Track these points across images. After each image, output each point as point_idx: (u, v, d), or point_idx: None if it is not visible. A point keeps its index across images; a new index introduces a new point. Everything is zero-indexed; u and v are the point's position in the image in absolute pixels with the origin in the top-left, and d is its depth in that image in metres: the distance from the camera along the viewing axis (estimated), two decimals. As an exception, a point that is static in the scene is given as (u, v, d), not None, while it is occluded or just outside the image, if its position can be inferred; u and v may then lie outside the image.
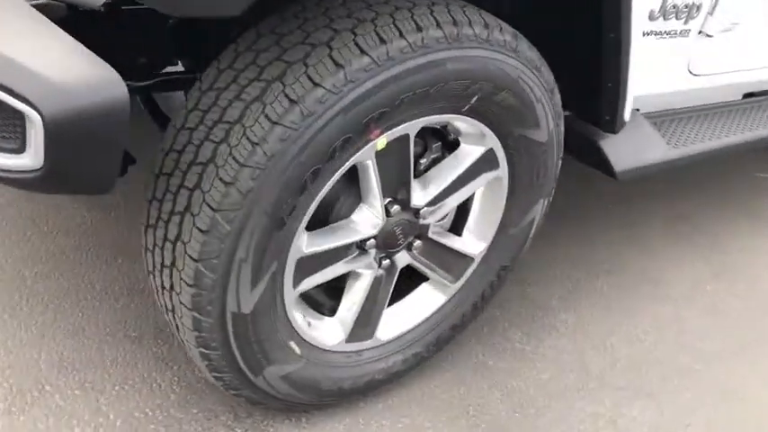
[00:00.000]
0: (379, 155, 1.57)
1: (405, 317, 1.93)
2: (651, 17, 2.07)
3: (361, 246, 1.71)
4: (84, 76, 1.15)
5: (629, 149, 2.18)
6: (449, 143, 1.79)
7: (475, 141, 1.75)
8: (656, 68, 2.23)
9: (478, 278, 1.99)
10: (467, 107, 1.61)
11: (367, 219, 1.68)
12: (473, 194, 1.90)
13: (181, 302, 1.49)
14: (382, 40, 1.42)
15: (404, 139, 1.58)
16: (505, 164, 1.81)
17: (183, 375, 1.93)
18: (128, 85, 1.64)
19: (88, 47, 1.21)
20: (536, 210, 1.95)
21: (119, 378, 1.91)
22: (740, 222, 3.13)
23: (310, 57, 1.40)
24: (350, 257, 1.70)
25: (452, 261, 1.92)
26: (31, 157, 1.15)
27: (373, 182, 1.60)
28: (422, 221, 1.78)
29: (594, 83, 1.96)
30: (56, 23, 1.28)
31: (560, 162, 1.95)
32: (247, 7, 1.23)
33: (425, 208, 1.75)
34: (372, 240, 1.70)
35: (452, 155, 1.76)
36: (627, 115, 2.07)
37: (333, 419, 1.91)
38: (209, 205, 1.39)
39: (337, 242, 1.65)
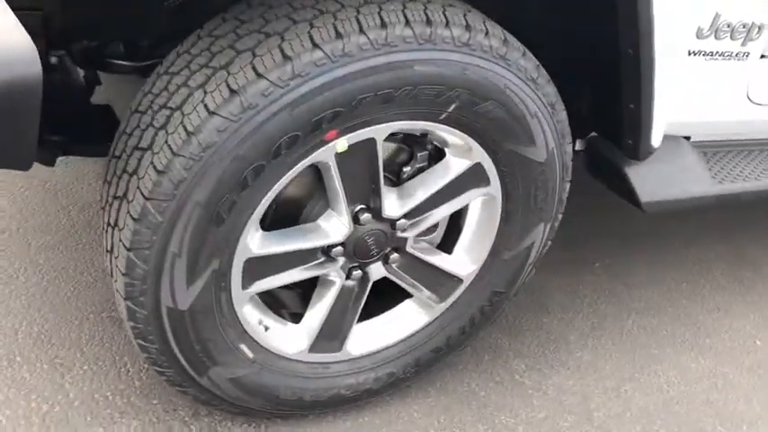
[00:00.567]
0: (343, 158, 1.46)
1: (381, 333, 1.82)
2: (699, 35, 1.86)
3: (327, 252, 1.61)
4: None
5: (660, 179, 1.97)
6: (438, 154, 1.66)
7: (461, 154, 1.61)
8: (708, 93, 2.01)
9: (468, 302, 1.84)
10: (444, 115, 1.48)
11: (333, 225, 1.58)
12: (466, 212, 1.77)
13: (117, 290, 1.45)
14: (339, 35, 1.32)
15: (369, 143, 1.47)
16: (498, 182, 1.66)
17: (153, 364, 1.90)
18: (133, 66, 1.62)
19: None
20: (535, 235, 1.78)
21: (90, 357, 1.90)
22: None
23: (260, 46, 1.32)
24: (313, 263, 1.61)
25: (438, 280, 1.79)
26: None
27: (336, 186, 1.50)
28: (399, 234, 1.66)
29: (616, 103, 1.78)
30: None
31: (567, 185, 1.77)
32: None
33: (402, 220, 1.63)
34: (340, 248, 1.61)
35: (434, 166, 1.63)
36: (655, 141, 1.86)
37: (295, 430, 1.82)
38: (141, 193, 1.34)
39: (297, 246, 1.56)
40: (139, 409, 1.80)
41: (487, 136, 1.56)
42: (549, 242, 1.88)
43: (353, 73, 1.33)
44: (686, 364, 2.25)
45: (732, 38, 1.91)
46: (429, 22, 1.37)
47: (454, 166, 1.61)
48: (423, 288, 1.78)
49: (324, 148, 1.42)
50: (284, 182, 1.43)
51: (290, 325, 1.71)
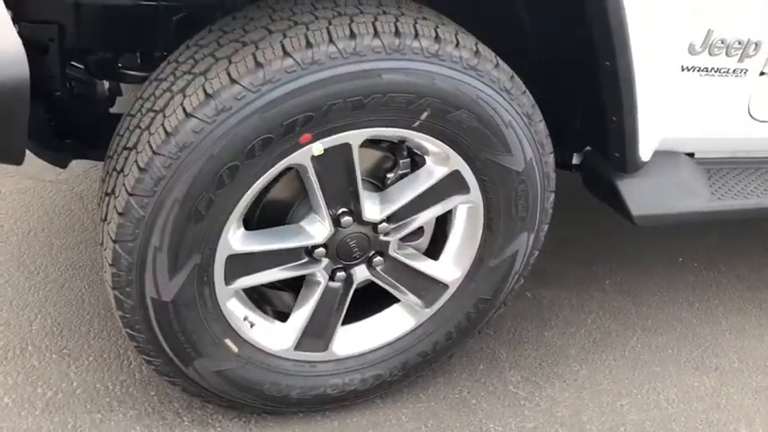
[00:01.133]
0: (319, 161, 1.54)
1: (367, 335, 1.88)
2: (692, 51, 1.87)
3: (310, 253, 1.68)
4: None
5: (654, 193, 1.98)
6: (422, 162, 1.72)
7: (440, 161, 1.67)
8: (706, 110, 2.02)
9: (454, 308, 1.89)
10: (417, 123, 1.55)
11: (315, 226, 1.66)
12: (452, 219, 1.82)
13: (106, 281, 1.55)
14: (309, 44, 1.40)
15: (345, 148, 1.54)
16: (478, 190, 1.71)
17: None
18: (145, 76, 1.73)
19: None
20: (518, 243, 1.82)
21: (96, 350, 2.01)
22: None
23: (236, 54, 1.41)
24: (296, 263, 1.68)
25: (423, 285, 1.84)
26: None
27: (314, 188, 1.58)
28: (382, 237, 1.72)
29: (602, 116, 1.81)
30: None
31: (551, 196, 1.81)
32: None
33: (384, 224, 1.70)
34: (322, 249, 1.68)
35: (415, 173, 1.69)
36: (644, 154, 1.88)
37: (283, 428, 1.89)
38: (125, 189, 1.44)
39: (278, 245, 1.64)
40: (137, 399, 1.89)
41: (463, 144, 1.61)
42: (537, 252, 1.90)
43: (323, 80, 1.41)
44: (689, 383, 2.23)
45: (728, 54, 1.91)
46: (398, 34, 1.45)
47: (433, 173, 1.67)
48: (408, 292, 1.83)
49: (300, 152, 1.50)
50: (262, 182, 1.52)
51: (276, 323, 1.78)
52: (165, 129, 1.40)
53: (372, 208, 1.67)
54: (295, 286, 1.81)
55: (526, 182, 1.71)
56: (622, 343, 2.36)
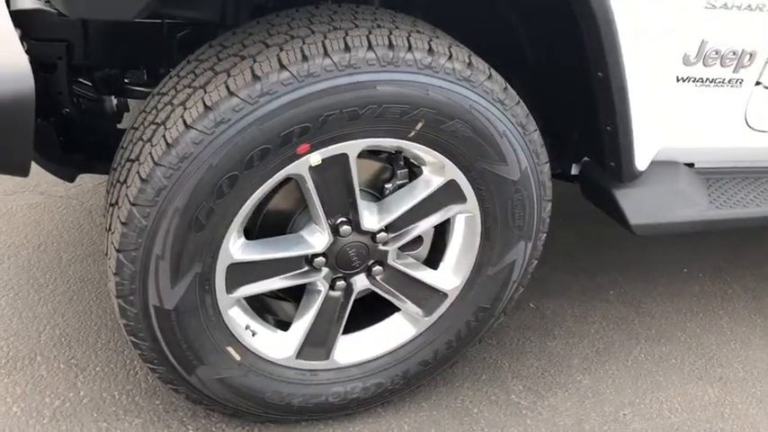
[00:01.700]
0: (317, 171, 1.58)
1: (369, 344, 1.90)
2: (686, 62, 1.90)
3: (310, 262, 1.71)
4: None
5: (652, 202, 2.00)
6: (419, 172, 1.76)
7: (436, 171, 1.70)
8: (702, 119, 2.04)
9: (454, 316, 1.91)
10: (413, 133, 1.58)
11: (315, 236, 1.69)
12: (451, 228, 1.84)
13: (110, 290, 1.59)
14: (305, 57, 1.44)
15: (342, 158, 1.58)
16: (474, 199, 1.74)
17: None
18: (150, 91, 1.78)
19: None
20: (516, 252, 1.84)
21: (103, 360, 2.05)
22: None
23: (234, 68, 1.46)
24: (297, 272, 1.72)
25: (423, 294, 1.87)
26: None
27: (313, 198, 1.62)
28: (381, 247, 1.75)
29: (597, 126, 1.83)
30: None
31: (548, 205, 1.83)
32: (139, 13, 1.31)
33: (383, 233, 1.73)
34: (322, 258, 1.71)
35: (412, 183, 1.72)
36: (640, 164, 1.91)
37: (286, 436, 1.91)
38: (128, 199, 1.48)
39: (278, 254, 1.67)
40: (142, 408, 1.93)
41: (459, 154, 1.65)
42: (535, 261, 1.92)
43: (318, 92, 1.45)
44: (693, 392, 2.23)
45: (722, 65, 1.94)
46: (392, 47, 1.49)
47: (430, 182, 1.70)
48: (408, 301, 1.86)
49: (298, 162, 1.54)
50: (262, 192, 1.55)
51: (278, 331, 1.81)
52: (166, 140, 1.45)
53: (371, 217, 1.70)
54: (296, 295, 1.84)
55: (522, 191, 1.74)
56: (626, 353, 2.36)
